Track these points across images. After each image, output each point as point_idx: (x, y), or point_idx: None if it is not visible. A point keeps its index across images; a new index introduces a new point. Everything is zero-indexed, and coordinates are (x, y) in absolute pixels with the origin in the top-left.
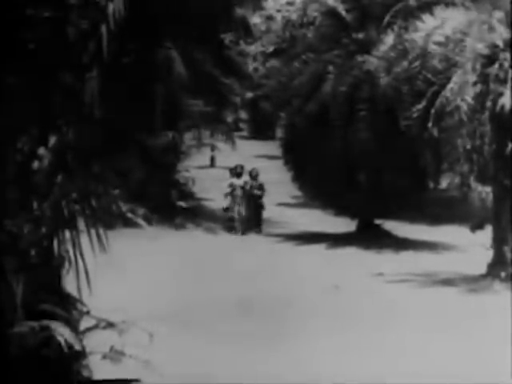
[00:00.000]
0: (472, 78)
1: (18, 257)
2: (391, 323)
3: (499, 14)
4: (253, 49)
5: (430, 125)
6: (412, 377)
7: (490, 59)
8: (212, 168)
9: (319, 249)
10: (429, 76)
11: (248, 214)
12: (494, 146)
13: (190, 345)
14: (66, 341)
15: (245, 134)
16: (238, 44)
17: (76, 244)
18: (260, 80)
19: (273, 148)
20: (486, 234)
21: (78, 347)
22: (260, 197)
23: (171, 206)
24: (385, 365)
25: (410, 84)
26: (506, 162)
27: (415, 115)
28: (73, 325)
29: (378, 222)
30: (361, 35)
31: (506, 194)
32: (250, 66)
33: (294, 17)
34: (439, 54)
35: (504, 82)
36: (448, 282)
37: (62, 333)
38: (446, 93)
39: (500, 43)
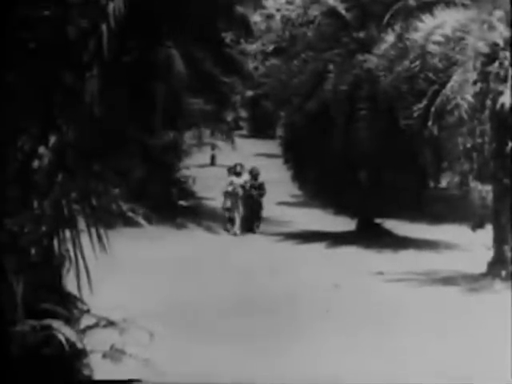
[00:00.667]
0: (472, 76)
1: (18, 256)
2: (391, 322)
3: (499, 13)
4: (253, 48)
5: (430, 123)
6: (412, 376)
7: (490, 58)
8: (212, 167)
9: (319, 248)
10: (429, 75)
11: (247, 214)
12: (494, 145)
13: (189, 344)
14: (66, 339)
15: (245, 132)
16: (238, 43)
17: (76, 243)
18: (260, 79)
19: (273, 147)
20: (487, 232)
21: (79, 345)
22: (260, 196)
23: (172, 204)
24: (384, 364)
25: (410, 83)
26: (506, 160)
27: (415, 114)
28: (73, 323)
29: (378, 220)
30: (361, 34)
31: (506, 193)
32: (250, 64)
33: (294, 16)
34: (439, 53)
35: (504, 80)
36: (448, 280)
37: (63, 331)
38: (447, 91)
39: (500, 42)
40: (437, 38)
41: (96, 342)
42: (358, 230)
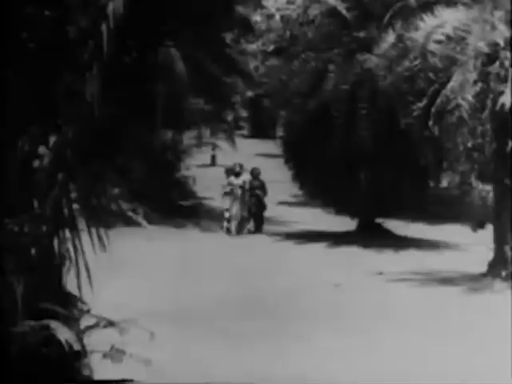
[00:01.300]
0: (472, 76)
1: (18, 256)
2: (391, 322)
3: (500, 13)
4: (254, 47)
5: (430, 123)
6: (412, 376)
7: (491, 58)
8: (213, 167)
9: (319, 247)
10: (429, 75)
11: (247, 214)
12: (494, 145)
13: (190, 344)
14: (66, 340)
15: (245, 132)
16: (238, 43)
17: (76, 243)
18: (260, 79)
19: (273, 146)
20: (487, 232)
21: (77, 347)
22: (262, 196)
23: (172, 204)
24: (384, 364)
25: (410, 83)
26: (506, 160)
27: (416, 114)
28: (73, 323)
29: (378, 220)
30: (361, 34)
31: (506, 193)
32: (251, 64)
33: (294, 15)
34: (440, 53)
35: (504, 80)
36: (448, 280)
37: (62, 332)
38: (447, 91)
39: (501, 42)
40: (438, 36)
41: (96, 342)
42: (358, 230)
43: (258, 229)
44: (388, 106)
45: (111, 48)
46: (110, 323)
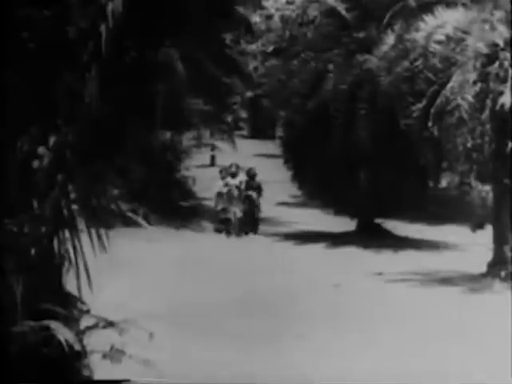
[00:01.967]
0: (472, 76)
1: (18, 256)
2: (391, 322)
3: (499, 13)
4: (253, 48)
5: (430, 124)
6: (411, 376)
7: (490, 58)
8: (212, 167)
9: (319, 248)
10: (429, 75)
11: (243, 215)
12: (494, 145)
13: (189, 344)
14: (65, 340)
15: (244, 133)
16: (238, 43)
17: (76, 243)
18: (260, 79)
19: (272, 147)
20: (486, 233)
21: (77, 347)
22: (257, 197)
23: (171, 205)
24: (384, 364)
25: (410, 83)
26: (505, 160)
27: (415, 114)
28: (73, 324)
29: (377, 221)
30: (361, 34)
31: (505, 193)
32: (250, 65)
33: (294, 16)
34: (440, 54)
35: (504, 81)
36: (448, 281)
37: (61, 333)
38: (447, 92)
39: (500, 42)
40: (439, 37)
41: (96, 343)
42: (357, 230)
43: (253, 230)
44: (387, 106)
45: (110, 48)
46: (110, 324)
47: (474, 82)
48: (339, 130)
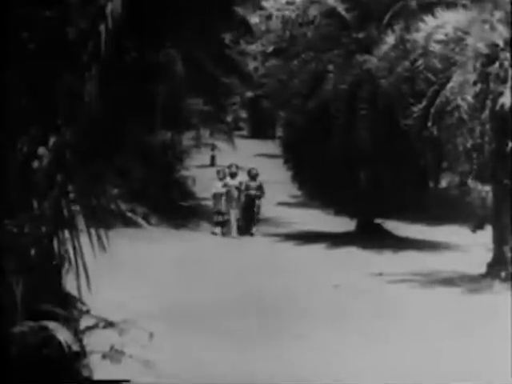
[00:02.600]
0: (472, 77)
1: (18, 256)
2: (391, 323)
3: (499, 14)
4: (253, 48)
5: (430, 124)
6: (411, 376)
7: (490, 58)
8: (212, 167)
9: (319, 248)
10: (429, 75)
11: (244, 216)
12: (494, 145)
13: (189, 344)
14: (65, 341)
15: (244, 133)
16: (238, 43)
17: (76, 243)
18: (260, 79)
19: (272, 147)
20: (486, 233)
21: (75, 348)
22: (258, 197)
23: (171, 205)
24: (384, 365)
25: (410, 83)
26: (505, 161)
27: (415, 114)
28: (72, 324)
29: (377, 221)
30: (361, 35)
31: (505, 194)
32: (250, 65)
33: (293, 16)
34: (439, 54)
35: (504, 81)
36: (448, 281)
37: (60, 333)
38: (446, 92)
39: (500, 42)
40: (439, 37)
41: (96, 343)
42: (357, 231)
43: (254, 230)
44: (387, 106)
45: (110, 48)
46: (110, 324)
47: (474, 83)
48: (339, 130)
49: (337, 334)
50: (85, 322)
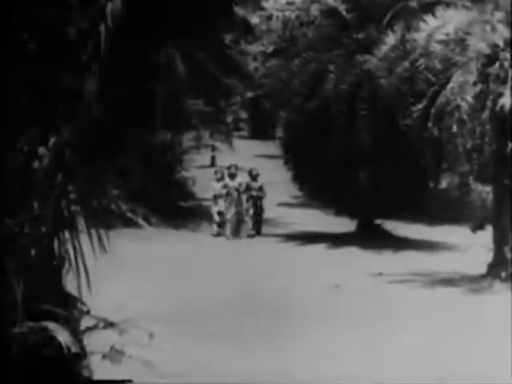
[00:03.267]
0: (472, 77)
1: (18, 256)
2: (391, 323)
3: (500, 14)
4: (253, 48)
5: (430, 124)
6: (412, 377)
7: (491, 59)
8: (213, 168)
9: (319, 249)
10: (429, 76)
11: (243, 217)
12: (494, 146)
13: (189, 344)
14: (65, 342)
15: (245, 133)
16: (238, 43)
17: (76, 244)
18: (260, 79)
19: (273, 147)
20: (487, 234)
21: (75, 349)
22: (260, 198)
23: (171, 205)
24: (384, 365)
25: (410, 84)
26: (506, 161)
27: (415, 115)
28: (73, 324)
29: (377, 221)
30: (361, 35)
31: (506, 194)
32: (251, 65)
33: (294, 16)
34: (440, 54)
35: (504, 81)
36: (448, 282)
37: (59, 334)
38: (447, 92)
39: (500, 43)
40: (440, 36)
41: (96, 343)
42: (357, 231)
43: (256, 232)
44: (388, 106)
45: (110, 48)
46: (110, 324)
47: (474, 83)
48: (339, 130)
49: (337, 333)
50: (85, 323)
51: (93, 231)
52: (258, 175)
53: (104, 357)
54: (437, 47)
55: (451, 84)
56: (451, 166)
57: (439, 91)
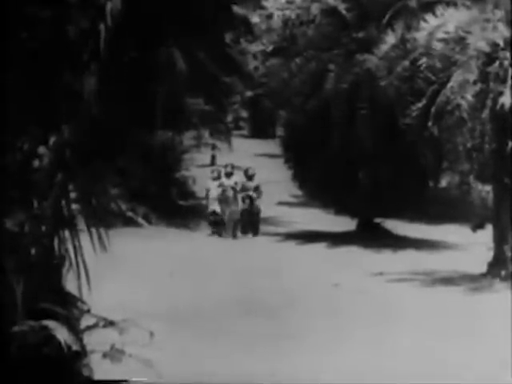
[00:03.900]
0: (472, 76)
1: (18, 256)
2: (391, 322)
3: (500, 13)
4: (253, 47)
5: (430, 123)
6: (412, 376)
7: (491, 58)
8: (213, 167)
9: (319, 248)
10: (429, 75)
11: (240, 217)
12: (494, 145)
13: (190, 344)
14: (65, 340)
15: (245, 132)
16: (238, 43)
17: (76, 243)
18: (260, 79)
19: (273, 146)
20: (487, 233)
21: (75, 348)
22: (255, 198)
23: (171, 204)
24: (384, 364)
25: (410, 83)
26: (506, 160)
27: (415, 114)
28: (73, 323)
29: (378, 220)
30: (361, 34)
31: (506, 193)
32: (251, 64)
33: (294, 15)
34: (440, 53)
35: (504, 80)
36: (448, 281)
37: (59, 333)
38: (447, 91)
39: (500, 42)
40: (441, 35)
41: (96, 342)
42: (358, 230)
43: (253, 232)
44: (388, 105)
45: (110, 47)
46: (110, 323)
47: (474, 82)
48: (339, 129)
49: (337, 333)
50: (85, 322)
51: (93, 230)
52: (254, 175)
53: (104, 356)
54: (437, 46)
55: (451, 83)
56: (451, 165)
57: (439, 90)
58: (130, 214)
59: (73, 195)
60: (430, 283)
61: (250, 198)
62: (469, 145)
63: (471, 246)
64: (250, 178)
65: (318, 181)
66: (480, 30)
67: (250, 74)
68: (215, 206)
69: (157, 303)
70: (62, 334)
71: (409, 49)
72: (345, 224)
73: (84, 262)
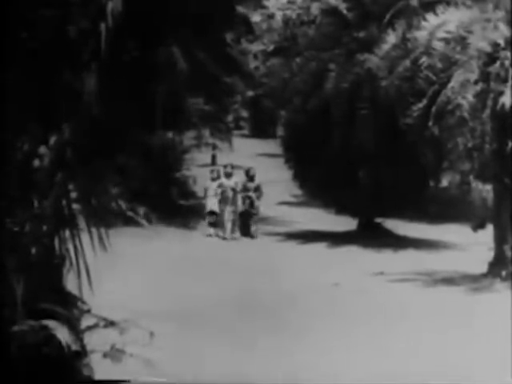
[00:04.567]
0: (473, 76)
1: (18, 255)
2: (391, 322)
3: (500, 13)
4: (254, 47)
5: (430, 123)
6: (412, 376)
7: (491, 57)
8: (213, 166)
9: (320, 247)
10: (430, 75)
11: (239, 217)
12: (494, 145)
13: (190, 344)
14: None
15: (245, 132)
16: (239, 42)
17: (76, 242)
18: (261, 78)
19: (274, 146)
20: (487, 232)
21: (75, 347)
22: (255, 198)
23: (172, 204)
24: (385, 364)
25: (410, 83)
26: (506, 160)
27: (416, 114)
28: (73, 323)
29: (378, 220)
30: (362, 34)
31: (506, 193)
32: (251, 64)
33: (294, 15)
34: (440, 53)
35: (505, 80)
36: (448, 280)
37: (59, 332)
38: (447, 91)
39: (501, 41)
40: (442, 34)
41: (96, 342)
42: (358, 230)
43: (251, 232)
44: (388, 105)
45: (110, 47)
46: (110, 323)
47: (475, 82)
48: (340, 129)
49: (337, 333)
50: (85, 321)
51: (93, 230)
52: (254, 175)
53: (104, 356)
54: (437, 45)
55: (452, 83)
56: (452, 165)
57: (440, 90)
58: (130, 213)
59: (73, 195)
60: (431, 283)
61: (250, 198)
62: (469, 144)
63: (472, 246)
64: (251, 178)
65: (318, 180)
66: (481, 30)
67: (251, 74)
68: (213, 206)
69: (157, 303)
70: (62, 334)
71: (410, 48)
72: (345, 224)
73: (84, 261)
